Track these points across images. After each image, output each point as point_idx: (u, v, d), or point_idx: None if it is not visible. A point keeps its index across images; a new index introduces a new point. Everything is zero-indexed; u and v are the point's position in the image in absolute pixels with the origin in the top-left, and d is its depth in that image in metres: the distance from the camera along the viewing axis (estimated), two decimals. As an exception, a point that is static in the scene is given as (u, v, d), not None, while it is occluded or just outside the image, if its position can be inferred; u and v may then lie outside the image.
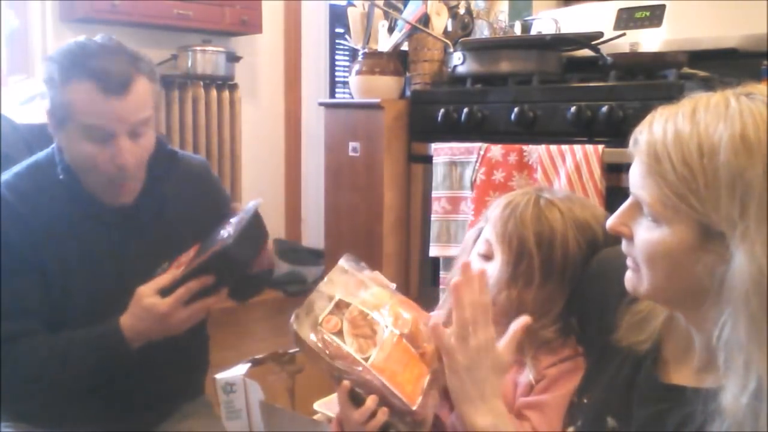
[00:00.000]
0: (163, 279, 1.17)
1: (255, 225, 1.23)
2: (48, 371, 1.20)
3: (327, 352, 0.92)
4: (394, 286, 1.07)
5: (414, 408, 0.91)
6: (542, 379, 1.01)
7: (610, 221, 0.83)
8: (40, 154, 1.31)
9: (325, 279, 1.01)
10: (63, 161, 1.25)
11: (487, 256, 1.06)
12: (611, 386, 0.90)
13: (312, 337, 0.93)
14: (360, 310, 0.97)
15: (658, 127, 0.75)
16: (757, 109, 0.71)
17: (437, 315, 1.15)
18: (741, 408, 0.70)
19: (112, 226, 1.28)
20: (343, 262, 1.05)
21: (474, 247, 1.10)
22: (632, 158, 0.79)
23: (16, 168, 1.29)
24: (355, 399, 0.92)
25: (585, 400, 0.94)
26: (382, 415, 0.91)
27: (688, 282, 0.76)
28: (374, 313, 0.98)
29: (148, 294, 1.16)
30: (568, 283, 1.02)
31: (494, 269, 1.03)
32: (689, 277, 0.75)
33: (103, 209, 1.27)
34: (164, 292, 1.16)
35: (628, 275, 0.84)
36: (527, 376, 1.02)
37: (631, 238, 0.80)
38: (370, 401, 0.91)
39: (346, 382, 0.91)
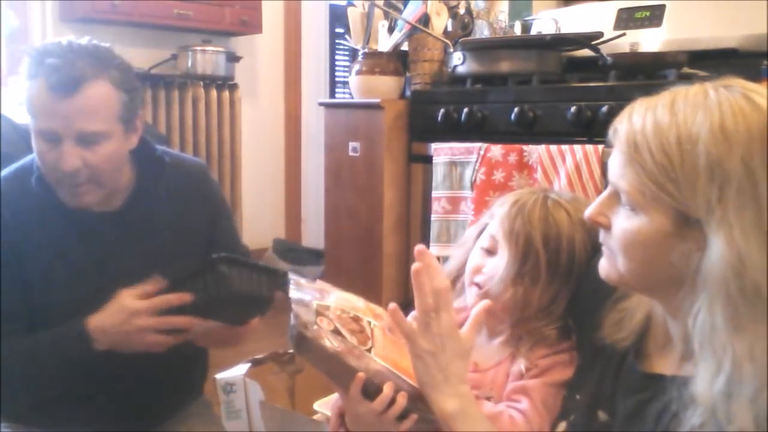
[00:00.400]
0: (147, 286, 1.16)
1: (265, 280, 1.17)
2: (21, 371, 1.18)
3: (339, 348, 0.91)
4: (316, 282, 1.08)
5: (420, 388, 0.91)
6: (534, 368, 1.02)
7: (589, 211, 0.84)
8: (28, 157, 1.29)
9: (291, 296, 0.99)
10: (37, 165, 1.24)
11: (491, 251, 1.06)
12: (601, 381, 0.91)
13: (324, 340, 0.91)
14: (341, 309, 0.98)
15: (638, 118, 0.76)
16: (735, 100, 0.72)
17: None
18: (713, 393, 0.71)
19: (94, 233, 1.25)
20: (291, 279, 1.05)
21: (475, 243, 1.10)
22: (612, 149, 0.81)
23: (5, 171, 1.28)
24: (367, 392, 0.91)
25: (578, 397, 0.95)
26: (402, 399, 0.90)
27: (663, 269, 0.77)
28: (352, 312, 0.99)
29: (127, 294, 1.15)
30: (573, 283, 1.02)
31: (499, 266, 1.03)
32: (665, 264, 0.76)
33: (86, 216, 1.24)
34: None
35: (602, 263, 0.85)
36: (519, 365, 1.03)
37: (608, 228, 0.82)
38: (388, 388, 0.90)
39: (360, 374, 0.90)
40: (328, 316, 0.95)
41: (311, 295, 1.00)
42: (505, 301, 1.03)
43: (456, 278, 1.13)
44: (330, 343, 0.91)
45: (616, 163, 0.79)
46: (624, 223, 0.78)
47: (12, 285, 1.21)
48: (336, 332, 0.93)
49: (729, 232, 0.69)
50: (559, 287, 1.02)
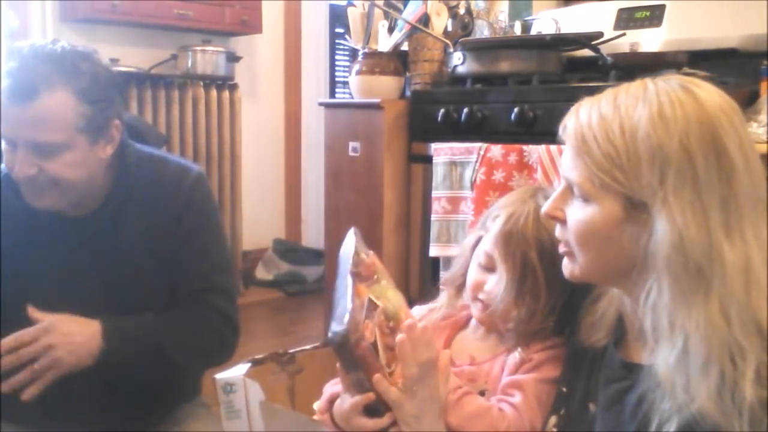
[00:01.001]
0: None
1: None
2: None
3: (369, 366, 0.91)
4: (371, 252, 1.04)
5: None
6: (529, 361, 1.03)
7: (545, 207, 0.87)
8: None
9: (352, 259, 0.97)
10: None
11: (489, 268, 1.06)
12: (589, 375, 0.93)
13: (364, 344, 0.90)
14: (384, 314, 0.96)
15: (584, 113, 0.82)
16: (672, 90, 0.77)
17: (420, 309, 1.18)
18: (670, 367, 0.74)
19: (58, 236, 1.25)
20: (353, 239, 1.02)
21: (473, 254, 1.10)
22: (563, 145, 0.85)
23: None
24: (368, 409, 0.93)
25: (564, 389, 0.97)
26: (395, 429, 0.93)
27: (618, 255, 0.80)
28: (392, 320, 0.96)
29: None
30: (570, 284, 1.02)
31: (499, 286, 1.03)
32: (618, 250, 0.80)
33: (52, 218, 1.23)
34: None
35: (564, 262, 0.88)
36: (515, 357, 1.04)
37: (564, 222, 0.85)
38: (387, 419, 0.92)
39: (371, 395, 0.92)
40: (373, 320, 0.93)
41: (367, 278, 0.97)
42: (509, 320, 1.03)
43: (458, 282, 1.14)
44: (365, 357, 0.90)
45: (566, 157, 0.83)
46: (577, 214, 0.82)
47: None
48: (374, 345, 0.92)
49: (670, 212, 0.73)
50: (561, 292, 1.02)
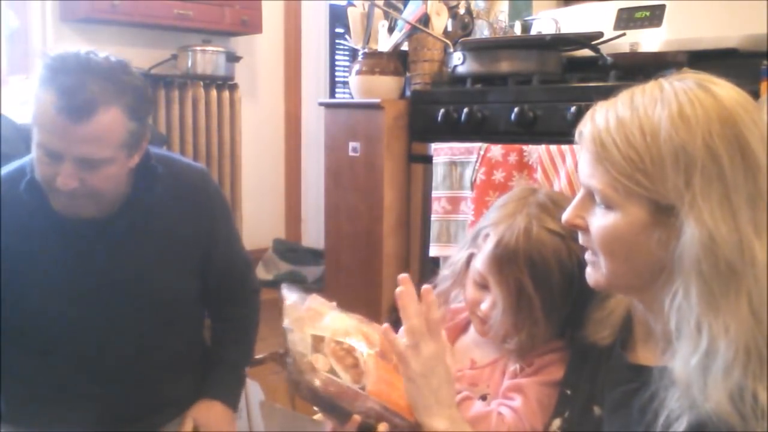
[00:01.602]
0: None
1: None
2: None
3: (332, 391, 0.91)
4: (334, 304, 1.06)
5: (412, 421, 0.92)
6: (531, 365, 1.02)
7: (565, 215, 0.85)
8: (26, 158, 1.28)
9: (285, 321, 0.99)
10: (33, 169, 1.22)
11: (484, 286, 1.04)
12: (594, 377, 0.92)
13: (316, 383, 0.91)
14: (335, 341, 0.97)
15: (600, 118, 0.80)
16: (689, 88, 0.76)
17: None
18: (689, 369, 0.73)
19: (79, 240, 1.25)
20: (287, 294, 1.04)
21: (467, 270, 1.08)
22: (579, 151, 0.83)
23: (5, 169, 1.27)
24: (363, 430, 0.92)
25: (568, 392, 0.96)
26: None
27: (645, 261, 0.78)
28: (347, 339, 0.98)
29: None
30: (575, 292, 1.00)
31: (496, 310, 1.02)
32: (646, 256, 0.78)
33: (73, 222, 1.23)
34: None
35: (588, 270, 0.86)
36: (515, 363, 1.04)
37: (586, 230, 0.83)
38: (383, 428, 0.91)
39: (356, 417, 0.91)
40: (324, 351, 0.95)
41: (305, 322, 0.99)
42: (509, 340, 1.03)
43: (447, 296, 1.13)
44: (324, 386, 0.91)
45: (585, 163, 0.81)
46: (601, 221, 0.80)
47: None
48: (331, 371, 0.93)
49: (699, 214, 0.72)
50: (561, 305, 1.00)
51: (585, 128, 0.82)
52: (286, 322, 0.98)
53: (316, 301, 1.05)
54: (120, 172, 1.21)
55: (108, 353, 1.27)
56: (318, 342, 0.96)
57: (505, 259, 0.99)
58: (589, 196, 0.82)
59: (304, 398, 0.94)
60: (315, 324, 0.99)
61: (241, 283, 1.48)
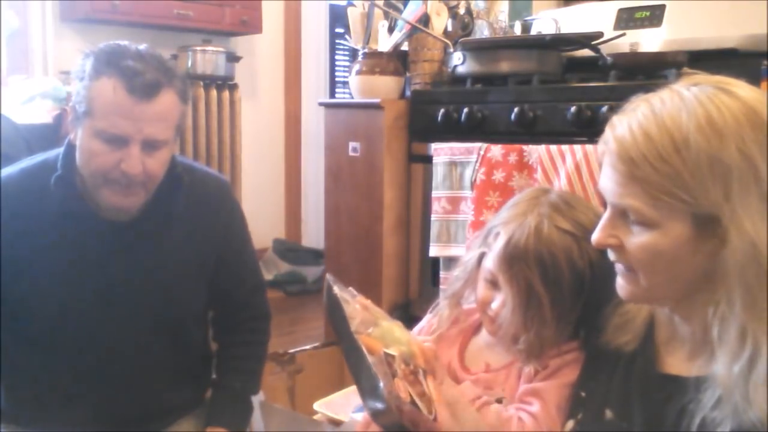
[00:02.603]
0: None
1: None
2: None
3: (419, 422, 0.87)
4: (356, 294, 1.00)
5: None
6: (546, 368, 1.01)
7: (596, 236, 0.83)
8: (49, 155, 1.27)
9: (353, 328, 0.91)
10: (66, 163, 1.21)
11: (494, 285, 1.04)
12: (609, 380, 0.91)
13: (408, 414, 0.86)
14: (405, 362, 0.92)
15: (624, 132, 0.77)
16: (712, 94, 0.74)
17: (422, 325, 1.17)
18: (732, 375, 0.72)
19: (101, 239, 1.24)
20: (337, 291, 0.95)
21: (478, 269, 1.08)
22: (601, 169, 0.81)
23: (24, 163, 1.26)
24: None
25: (583, 394, 0.95)
26: None
27: (687, 273, 0.77)
28: (411, 363, 0.92)
29: None
30: (586, 293, 1.00)
31: (506, 309, 1.01)
32: (688, 268, 0.77)
33: (96, 221, 1.23)
34: None
35: (622, 283, 0.84)
36: (529, 365, 1.03)
37: (620, 247, 0.81)
38: None
39: None
40: (397, 373, 0.89)
41: (364, 326, 0.92)
42: (518, 339, 1.02)
43: (459, 297, 1.13)
44: (414, 421, 0.86)
45: (613, 183, 0.79)
46: (640, 239, 0.78)
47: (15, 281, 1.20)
48: (412, 402, 0.87)
49: (739, 222, 0.71)
50: (571, 306, 1.00)
51: (608, 146, 0.79)
52: (353, 332, 0.90)
53: (362, 300, 0.98)
54: (168, 158, 1.24)
55: (116, 356, 1.27)
56: (391, 362, 0.89)
57: (514, 258, 0.99)
58: (620, 214, 0.80)
59: (380, 425, 0.89)
60: (374, 331, 0.92)
61: (249, 306, 1.46)
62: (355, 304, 0.95)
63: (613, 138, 0.78)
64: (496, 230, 1.04)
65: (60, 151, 1.25)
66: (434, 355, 0.92)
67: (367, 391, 0.87)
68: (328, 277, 0.95)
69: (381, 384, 0.84)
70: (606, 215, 0.82)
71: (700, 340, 0.80)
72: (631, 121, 0.77)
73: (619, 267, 0.83)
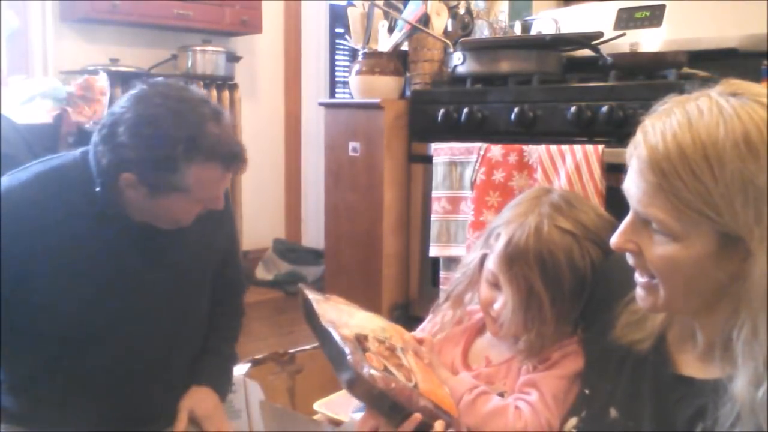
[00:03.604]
0: None
1: None
2: None
3: (393, 388, 0.91)
4: (328, 296, 1.10)
5: (457, 417, 0.94)
6: (546, 360, 1.02)
7: (615, 240, 0.81)
8: (65, 158, 1.27)
9: (321, 320, 0.99)
10: (106, 182, 1.19)
11: (496, 286, 1.04)
12: (615, 378, 0.91)
13: (378, 381, 0.90)
14: (378, 340, 0.97)
15: (657, 141, 0.74)
16: (752, 110, 0.71)
17: (425, 327, 1.18)
18: (756, 400, 0.70)
19: (128, 242, 1.25)
20: (309, 293, 1.05)
21: (481, 270, 1.08)
22: (626, 168, 0.79)
23: (36, 167, 1.25)
24: (419, 429, 0.92)
25: (587, 391, 0.95)
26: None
27: (707, 288, 0.76)
28: (386, 341, 0.99)
29: None
30: (587, 292, 1.00)
31: (506, 309, 1.02)
32: (709, 283, 0.75)
33: (125, 225, 1.24)
34: None
35: (642, 294, 0.82)
36: (528, 362, 1.04)
37: (639, 253, 0.80)
38: (440, 426, 0.92)
39: (417, 416, 0.91)
40: (370, 349, 0.95)
41: (338, 318, 0.99)
42: (520, 338, 1.03)
43: (461, 298, 1.13)
44: (385, 383, 0.90)
45: (640, 190, 0.77)
46: (662, 250, 0.76)
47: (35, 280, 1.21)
48: (386, 370, 0.92)
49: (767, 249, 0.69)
50: (571, 305, 1.00)
51: (638, 151, 0.76)
52: (323, 321, 0.98)
53: (338, 300, 1.07)
54: None
55: (132, 355, 1.28)
56: (363, 341, 0.95)
57: (515, 258, 0.99)
58: (641, 222, 0.78)
59: (358, 397, 0.93)
60: (349, 323, 1.00)
61: (234, 283, 1.52)
62: (328, 303, 1.03)
63: (645, 144, 0.75)
64: (498, 231, 1.05)
65: (72, 160, 1.25)
66: (425, 342, 0.95)
67: (338, 365, 0.92)
68: (301, 285, 1.06)
69: (347, 353, 0.90)
70: (627, 219, 0.81)
71: (717, 350, 0.79)
72: (666, 128, 0.74)
73: (638, 276, 0.82)
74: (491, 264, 1.04)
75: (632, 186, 0.78)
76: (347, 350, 0.91)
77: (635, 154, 0.77)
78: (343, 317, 1.01)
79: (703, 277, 0.75)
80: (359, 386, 0.90)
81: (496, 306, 1.03)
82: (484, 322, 1.12)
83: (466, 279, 1.11)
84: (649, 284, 0.80)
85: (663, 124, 0.75)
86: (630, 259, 0.82)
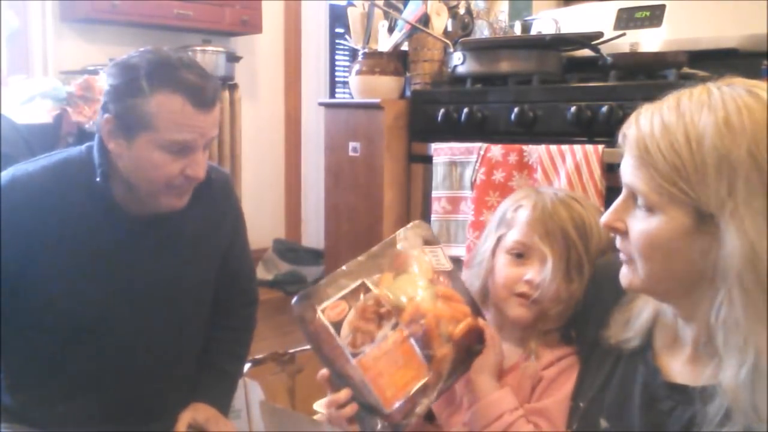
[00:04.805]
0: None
1: None
2: None
3: (321, 336, 0.93)
4: (449, 266, 1.04)
5: (387, 411, 0.91)
6: (540, 380, 1.01)
7: (605, 217, 0.84)
8: (70, 152, 1.28)
9: (376, 249, 1.01)
10: (103, 165, 1.22)
11: (524, 256, 1.05)
12: (605, 388, 0.91)
13: (310, 320, 0.94)
14: (377, 300, 0.95)
15: (645, 121, 0.78)
16: (738, 95, 0.74)
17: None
18: (739, 383, 0.72)
19: (131, 235, 1.26)
20: (410, 232, 1.04)
21: (495, 255, 1.09)
22: (623, 154, 0.82)
23: (42, 160, 1.26)
24: (334, 385, 0.95)
25: (581, 404, 0.94)
26: (350, 410, 0.93)
27: (683, 268, 0.78)
28: (392, 305, 0.95)
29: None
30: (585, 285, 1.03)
31: (545, 268, 1.02)
32: (685, 262, 0.77)
33: (128, 218, 1.25)
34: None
35: (623, 271, 0.85)
36: (528, 368, 1.04)
37: (625, 234, 0.82)
38: (344, 394, 0.93)
39: (324, 371, 0.95)
40: (356, 301, 0.94)
41: (378, 267, 0.99)
42: (560, 298, 1.03)
43: (484, 278, 1.12)
44: (317, 332, 0.93)
45: (628, 166, 0.80)
46: (641, 225, 0.79)
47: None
48: (338, 323, 0.93)
49: (740, 224, 0.71)
50: (588, 270, 1.03)
51: (629, 131, 0.80)
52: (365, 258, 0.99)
53: (434, 250, 1.05)
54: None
55: (134, 352, 1.29)
56: (361, 291, 0.95)
57: (546, 214, 1.04)
58: (631, 197, 0.81)
59: (302, 332, 0.96)
60: (390, 273, 0.98)
61: (243, 292, 1.50)
62: (401, 250, 1.01)
63: (635, 123, 0.80)
64: (512, 210, 1.08)
65: (77, 152, 1.27)
66: (491, 339, 0.97)
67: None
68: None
69: (320, 284, 0.94)
70: (619, 198, 0.84)
71: (703, 345, 0.79)
72: (655, 110, 0.78)
73: (622, 257, 0.85)
74: (517, 235, 1.05)
75: (624, 163, 0.82)
76: (307, 290, 0.94)
77: (627, 132, 0.81)
78: (402, 265, 1.00)
79: (679, 255, 0.77)
80: (297, 316, 0.94)
81: (529, 275, 1.03)
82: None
83: (482, 272, 1.11)
84: (630, 262, 0.83)
85: (654, 108, 0.79)
86: (618, 242, 0.85)
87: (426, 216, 2.28)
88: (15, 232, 1.18)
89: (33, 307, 1.22)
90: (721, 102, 0.74)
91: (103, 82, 1.22)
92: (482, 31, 2.63)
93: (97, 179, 1.22)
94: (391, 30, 2.51)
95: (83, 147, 1.28)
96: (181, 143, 1.17)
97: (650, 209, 0.78)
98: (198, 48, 3.43)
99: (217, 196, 1.38)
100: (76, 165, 1.25)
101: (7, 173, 1.23)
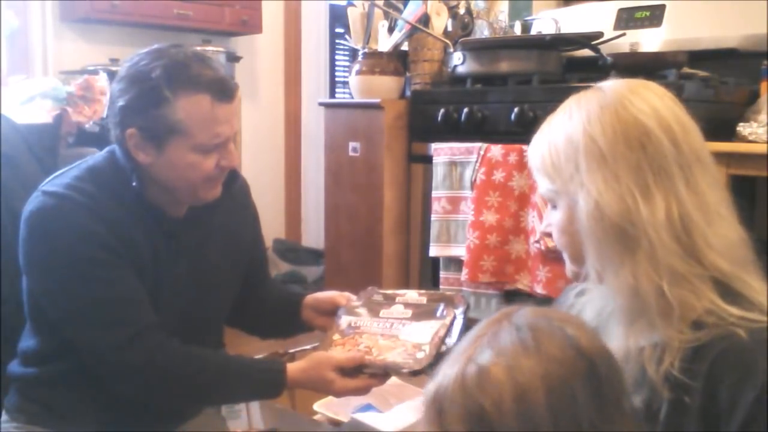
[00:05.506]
0: (348, 359, 1.21)
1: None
2: (196, 380, 1.22)
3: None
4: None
5: None
6: None
7: (541, 228, 0.99)
8: (96, 160, 1.26)
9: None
10: (137, 170, 1.20)
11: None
12: None
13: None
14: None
15: (535, 136, 0.91)
16: (593, 92, 0.87)
17: None
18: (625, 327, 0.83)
19: (169, 236, 1.26)
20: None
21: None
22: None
23: (72, 172, 1.23)
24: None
25: None
26: None
27: (581, 250, 0.86)
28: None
29: (330, 367, 1.19)
30: None
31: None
32: (580, 242, 0.86)
33: (165, 219, 1.25)
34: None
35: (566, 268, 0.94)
36: None
37: (551, 235, 0.92)
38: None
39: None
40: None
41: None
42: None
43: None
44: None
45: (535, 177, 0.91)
46: (552, 221, 0.90)
47: (130, 274, 1.20)
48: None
49: (586, 188, 0.81)
50: None
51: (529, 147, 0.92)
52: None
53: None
54: None
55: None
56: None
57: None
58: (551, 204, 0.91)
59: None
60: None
61: (269, 278, 1.54)
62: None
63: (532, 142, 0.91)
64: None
65: (102, 160, 1.25)
66: None
67: None
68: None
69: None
70: (547, 208, 0.94)
71: (624, 312, 0.85)
72: (543, 125, 0.91)
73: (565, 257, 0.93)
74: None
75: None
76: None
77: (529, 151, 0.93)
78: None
79: (573, 236, 0.86)
80: None
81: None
82: None
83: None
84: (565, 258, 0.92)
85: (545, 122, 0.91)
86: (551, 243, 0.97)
87: (426, 216, 2.28)
88: (101, 244, 1.16)
89: (139, 298, 1.21)
90: (575, 101, 0.87)
91: (104, 82, 1.21)
92: (482, 31, 2.63)
93: (133, 184, 1.21)
94: (391, 30, 2.52)
95: (104, 153, 1.26)
96: (214, 144, 1.18)
97: (553, 206, 0.89)
98: (198, 48, 3.42)
99: (239, 189, 1.40)
100: (107, 173, 1.23)
101: (41, 196, 1.19)
